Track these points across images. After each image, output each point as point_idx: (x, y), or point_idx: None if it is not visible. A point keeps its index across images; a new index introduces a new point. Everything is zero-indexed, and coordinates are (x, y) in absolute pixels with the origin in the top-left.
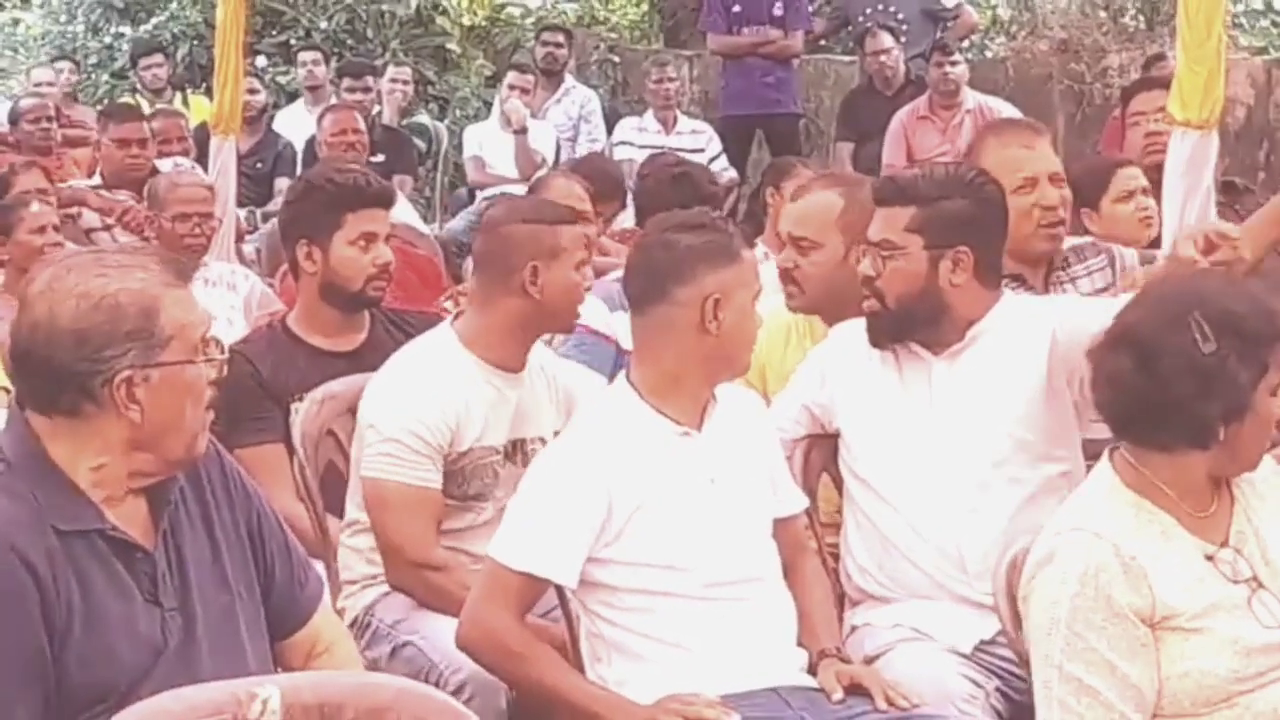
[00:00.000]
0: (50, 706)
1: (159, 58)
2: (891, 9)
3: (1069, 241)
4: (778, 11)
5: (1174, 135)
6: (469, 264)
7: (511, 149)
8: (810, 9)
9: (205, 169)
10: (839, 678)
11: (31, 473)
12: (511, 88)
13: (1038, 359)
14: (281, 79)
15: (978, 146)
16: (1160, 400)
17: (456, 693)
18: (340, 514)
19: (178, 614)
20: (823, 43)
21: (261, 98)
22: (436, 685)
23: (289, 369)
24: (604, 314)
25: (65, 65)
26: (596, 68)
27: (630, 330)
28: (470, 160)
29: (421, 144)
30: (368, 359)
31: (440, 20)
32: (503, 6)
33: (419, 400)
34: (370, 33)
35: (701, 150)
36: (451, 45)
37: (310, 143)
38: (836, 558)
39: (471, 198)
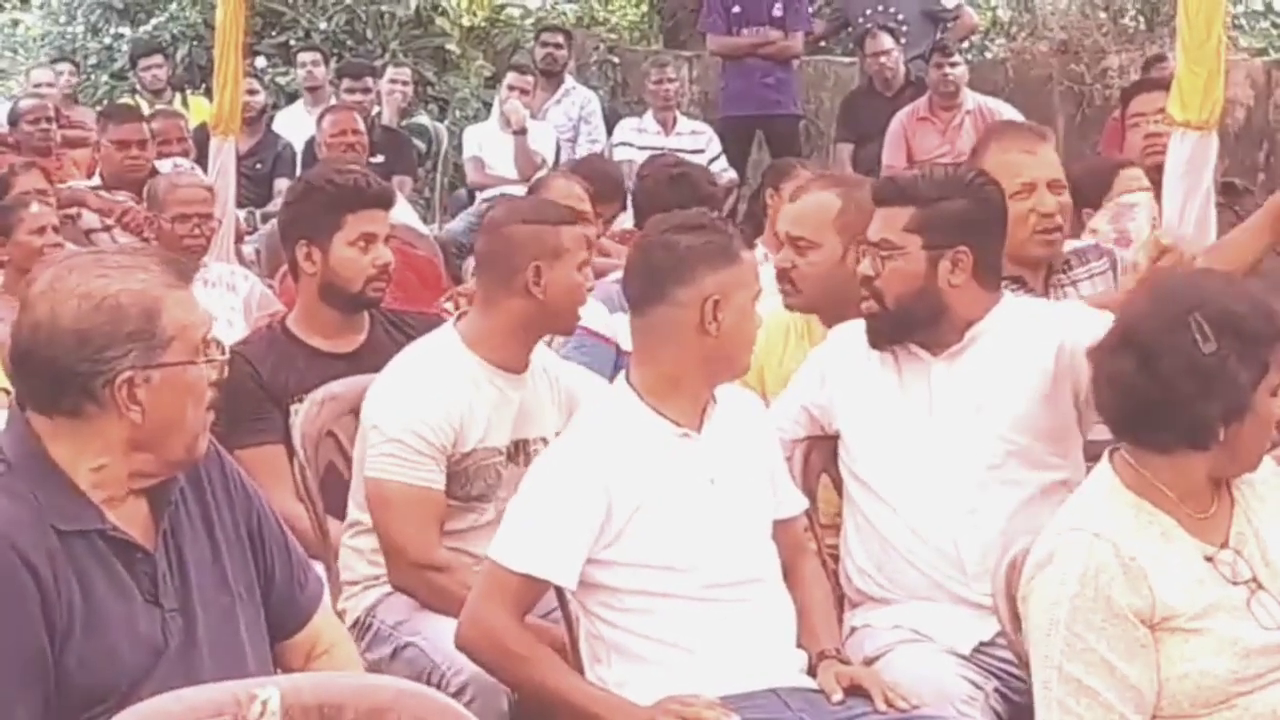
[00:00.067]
0: (50, 707)
1: (158, 58)
2: (891, 10)
3: (1070, 244)
4: (777, 12)
5: (1174, 136)
6: (469, 265)
7: (511, 150)
8: (810, 10)
9: (205, 170)
10: (838, 679)
11: (32, 473)
12: (511, 88)
13: (1038, 362)
14: (281, 80)
15: (980, 148)
16: (1161, 400)
17: (458, 694)
18: (340, 515)
19: (178, 615)
20: (823, 44)
21: (261, 98)
22: (438, 687)
23: (289, 370)
24: (604, 316)
25: (65, 67)
26: (596, 68)
27: (629, 331)
28: (470, 161)
29: (421, 145)
30: (367, 360)
31: (440, 21)
32: (502, 7)
33: (422, 401)
34: (370, 33)
35: (701, 151)
36: (451, 46)
37: (310, 143)
38: (836, 559)
39: (471, 199)
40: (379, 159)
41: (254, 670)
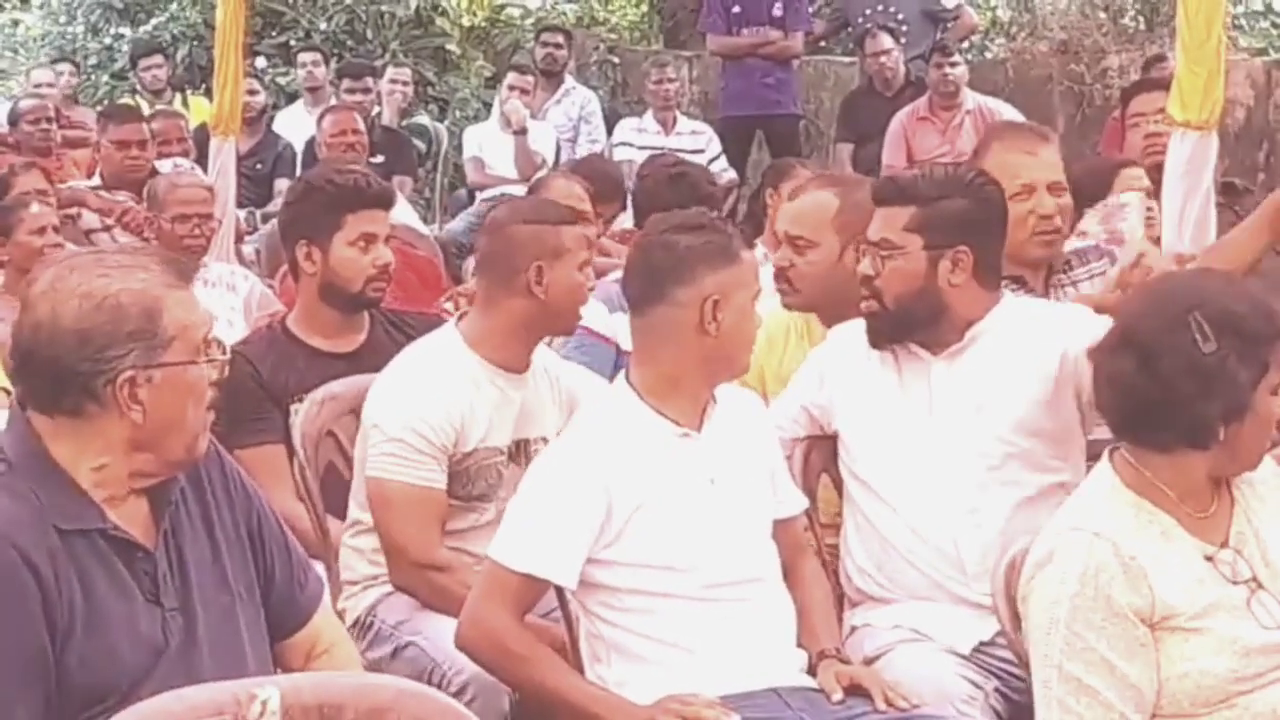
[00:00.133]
0: (51, 706)
1: (159, 59)
2: (891, 10)
3: (1071, 244)
4: (777, 12)
5: (1174, 136)
6: (469, 265)
7: (511, 150)
8: (810, 10)
9: (205, 170)
10: (838, 678)
11: (33, 472)
12: (511, 88)
13: (1040, 366)
14: (281, 80)
15: (982, 148)
16: (1161, 400)
17: (459, 694)
18: (340, 515)
19: (179, 614)
20: (822, 44)
21: (261, 99)
22: (439, 686)
23: (289, 370)
24: (604, 316)
25: (66, 68)
26: (596, 69)
27: (629, 331)
28: (470, 161)
29: (421, 145)
30: (367, 360)
31: (440, 21)
32: (502, 7)
33: (424, 401)
34: (370, 34)
35: (701, 151)
36: (451, 46)
37: (310, 144)
38: (836, 558)
39: (471, 199)
40: (379, 159)
41: (254, 670)
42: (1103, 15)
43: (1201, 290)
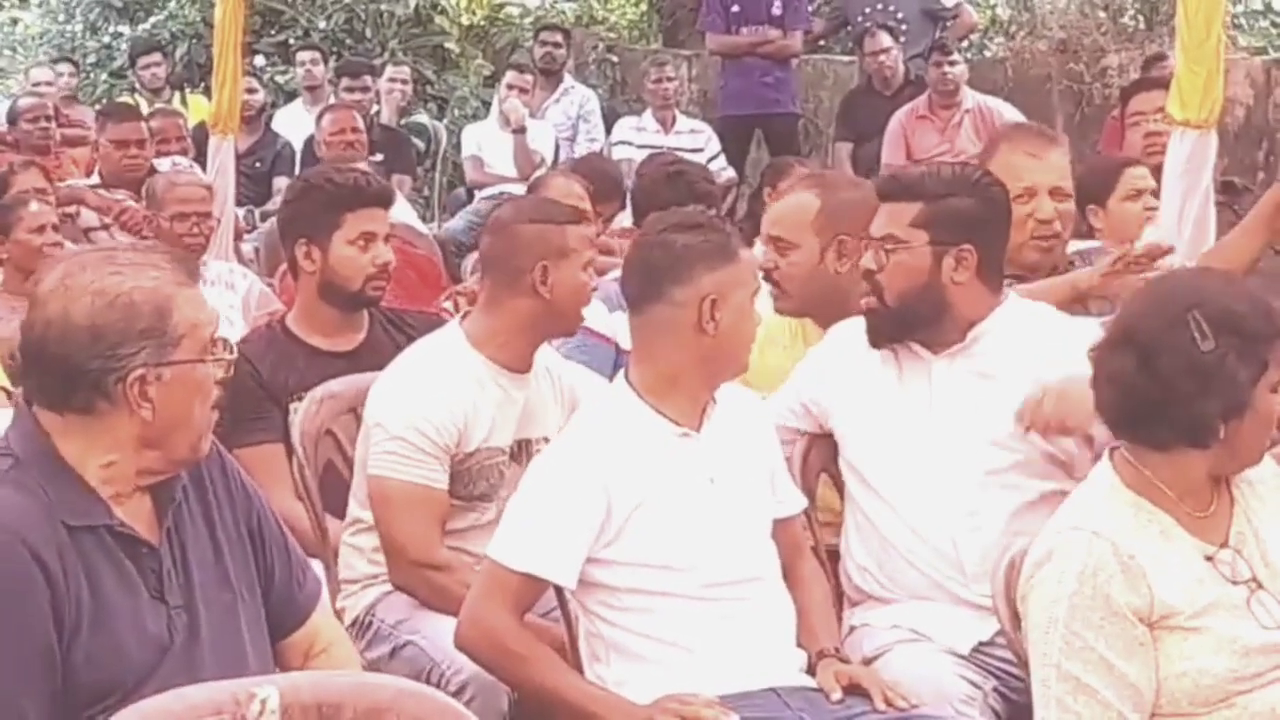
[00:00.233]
0: (57, 703)
1: (157, 57)
2: (891, 9)
3: (1074, 245)
4: (776, 11)
5: (1173, 135)
6: (468, 263)
7: (510, 148)
8: (809, 9)
9: (204, 168)
10: (838, 678)
11: (41, 468)
12: (510, 87)
13: (1041, 368)
14: (280, 78)
15: (989, 149)
16: (1160, 399)
17: (458, 693)
18: (339, 514)
19: (183, 611)
20: (822, 42)
21: (260, 97)
22: (438, 686)
23: (288, 368)
24: (604, 316)
25: (66, 68)
26: (595, 67)
27: (628, 330)
28: (469, 160)
29: (420, 143)
30: (366, 359)
31: (439, 20)
32: (501, 6)
33: (426, 400)
34: (369, 32)
35: (700, 150)
36: (450, 45)
37: (309, 142)
38: (835, 558)
39: (470, 197)
40: (378, 158)
41: (255, 669)
42: (1102, 14)
43: (1200, 289)
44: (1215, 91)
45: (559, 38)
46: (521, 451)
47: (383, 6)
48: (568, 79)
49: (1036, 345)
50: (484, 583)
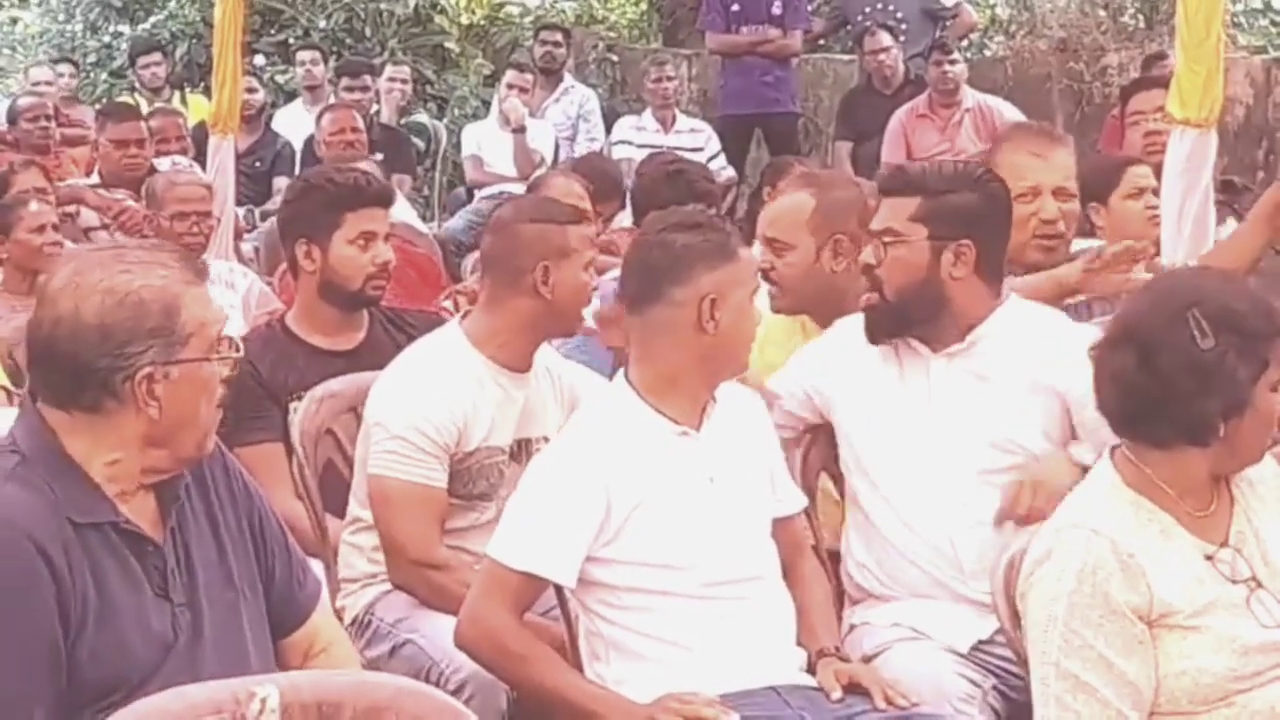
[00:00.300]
0: (62, 699)
1: (157, 56)
2: (890, 8)
3: (1079, 243)
4: (776, 10)
5: (1173, 134)
6: (468, 263)
7: (510, 148)
8: (809, 8)
9: (203, 168)
10: (838, 676)
11: (47, 465)
12: (510, 87)
13: (1039, 373)
14: (280, 78)
15: (994, 147)
16: (1160, 397)
17: (457, 692)
18: (339, 513)
19: (186, 609)
20: (822, 42)
21: (260, 96)
22: (437, 684)
23: (288, 368)
24: None
25: (66, 69)
26: (595, 67)
27: (628, 330)
28: (469, 159)
29: (420, 143)
30: (367, 358)
31: (439, 19)
32: (501, 5)
33: (427, 399)
34: (369, 32)
35: (700, 149)
36: (450, 44)
37: (309, 142)
38: (835, 558)
39: (470, 197)
40: (378, 157)
41: (256, 667)
42: (1102, 13)
43: (1200, 287)
44: (1215, 90)
45: (559, 37)
46: (521, 451)
47: (382, 6)
48: (568, 78)
49: (1034, 349)
50: (483, 582)
